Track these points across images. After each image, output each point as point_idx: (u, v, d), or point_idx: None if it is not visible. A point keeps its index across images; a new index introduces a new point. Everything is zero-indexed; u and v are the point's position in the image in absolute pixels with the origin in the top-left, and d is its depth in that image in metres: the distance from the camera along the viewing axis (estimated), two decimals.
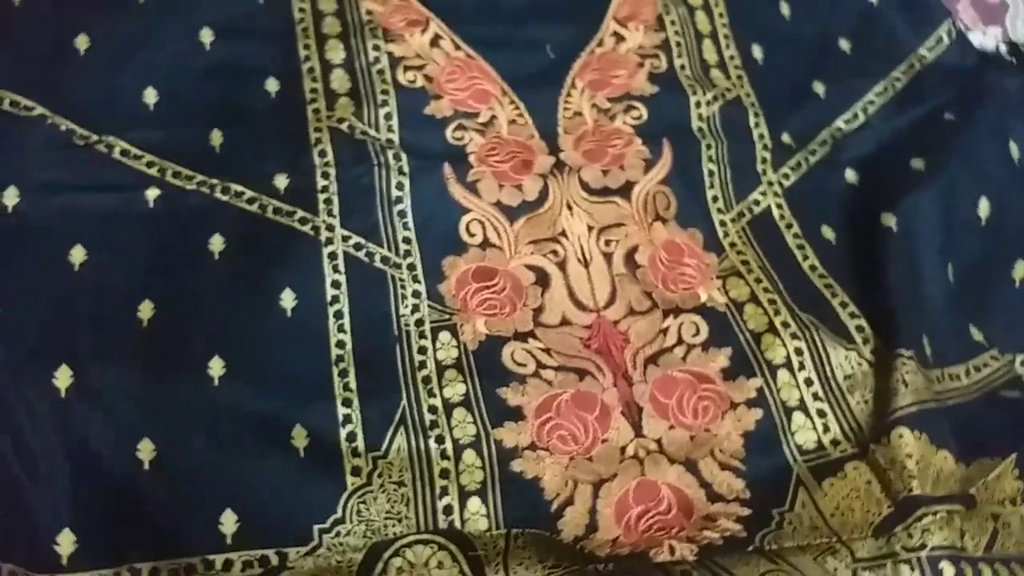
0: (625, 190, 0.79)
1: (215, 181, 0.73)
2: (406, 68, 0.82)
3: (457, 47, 0.84)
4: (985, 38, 1.01)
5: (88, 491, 0.59)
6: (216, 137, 0.76)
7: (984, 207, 0.80)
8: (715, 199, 0.80)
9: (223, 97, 0.78)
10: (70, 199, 0.71)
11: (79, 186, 0.72)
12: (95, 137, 0.74)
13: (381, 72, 0.81)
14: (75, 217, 0.70)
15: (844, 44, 0.91)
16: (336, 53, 0.82)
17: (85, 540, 0.58)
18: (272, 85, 0.80)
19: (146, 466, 0.60)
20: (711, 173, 0.81)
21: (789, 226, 0.80)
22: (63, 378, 0.61)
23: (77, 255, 0.68)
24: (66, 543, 0.58)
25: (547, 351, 0.70)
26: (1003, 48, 0.98)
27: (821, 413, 0.68)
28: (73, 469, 0.59)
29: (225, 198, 0.73)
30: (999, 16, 1.03)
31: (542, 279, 0.74)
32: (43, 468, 0.59)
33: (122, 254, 0.69)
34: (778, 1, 0.93)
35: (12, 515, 0.58)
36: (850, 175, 0.84)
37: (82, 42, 0.78)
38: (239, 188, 0.73)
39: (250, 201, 0.72)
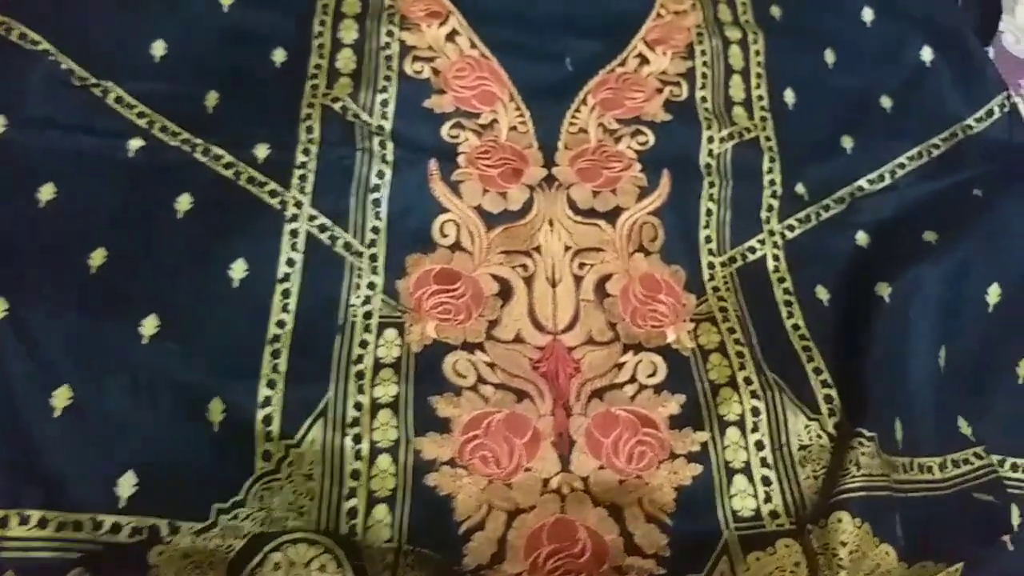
0: (612, 215, 0.76)
1: (198, 141, 0.72)
2: (415, 59, 0.80)
3: (473, 45, 0.82)
4: None
5: None
6: (212, 98, 0.76)
7: (994, 293, 0.74)
8: (708, 239, 0.76)
9: (228, 60, 0.78)
10: (55, 136, 0.71)
11: (66, 125, 0.72)
12: (93, 80, 0.74)
13: (389, 58, 0.80)
14: (55, 155, 0.70)
15: (886, 101, 0.86)
16: (349, 33, 0.80)
17: None
18: (279, 55, 0.79)
19: (57, 413, 0.59)
20: (708, 212, 0.77)
21: (781, 280, 0.75)
22: None
23: (46, 192, 0.68)
24: None
25: (491, 366, 0.67)
26: None
27: (766, 480, 0.64)
28: None
29: (204, 159, 0.72)
30: None
31: (505, 292, 0.71)
32: None
33: (89, 198, 0.69)
34: (823, 47, 0.88)
35: None
36: (861, 237, 0.79)
37: None
38: (219, 152, 0.72)
39: (227, 166, 0.71)
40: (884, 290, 0.71)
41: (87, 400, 0.60)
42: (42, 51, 0.73)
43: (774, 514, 0.63)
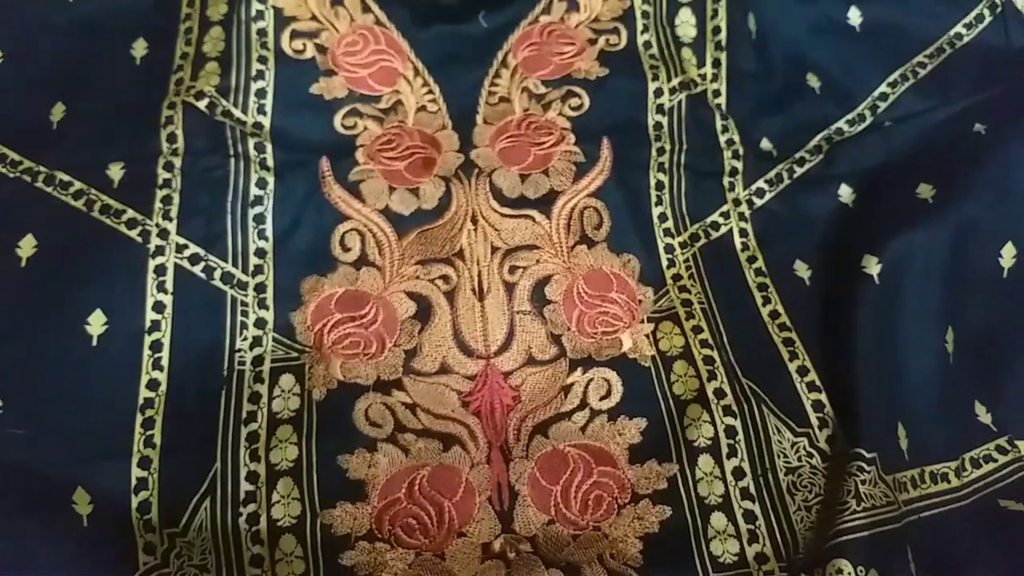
0: (546, 202, 0.64)
1: (41, 168, 0.61)
2: (295, 33, 0.67)
3: (366, 9, 0.69)
4: None
5: None
6: (57, 111, 0.64)
7: (1009, 254, 0.62)
8: (663, 217, 0.64)
9: (77, 62, 0.66)
10: None
11: None
12: None
13: (262, 33, 0.67)
14: None
15: (854, 15, 0.72)
16: (218, 7, 0.67)
17: None
18: (139, 48, 0.67)
19: None
20: (660, 185, 0.65)
21: (752, 259, 0.64)
22: None
23: None
24: None
25: (412, 408, 0.56)
26: None
27: (749, 516, 0.54)
28: None
29: (48, 189, 0.60)
30: None
31: (423, 312, 0.60)
32: None
33: None
34: None
35: None
36: (845, 193, 0.67)
37: None
38: (66, 178, 0.60)
39: (76, 194, 0.60)
40: (873, 266, 0.60)
41: None
42: None
43: (761, 557, 0.53)
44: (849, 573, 0.49)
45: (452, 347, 0.59)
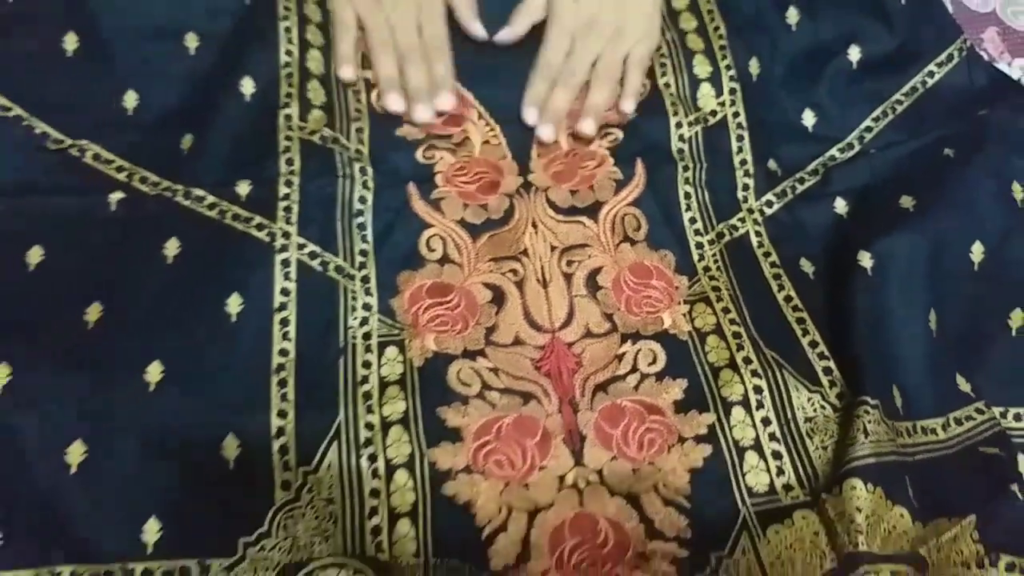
0: (593, 210, 0.77)
1: (179, 187, 0.73)
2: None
3: None
4: (1011, 70, 0.97)
5: (13, 491, 0.59)
6: (187, 141, 0.76)
7: (978, 252, 0.75)
8: (692, 220, 0.78)
9: (199, 101, 0.79)
10: (35, 201, 0.72)
11: (45, 188, 0.73)
12: (69, 141, 0.75)
13: (356, 92, 0.81)
14: (37, 219, 0.71)
15: (854, 53, 0.87)
16: (316, 66, 0.81)
17: (10, 539, 0.58)
18: (248, 86, 0.79)
19: (73, 469, 0.60)
20: (687, 195, 0.79)
21: (767, 254, 0.76)
22: (0, 376, 0.61)
23: (34, 256, 0.69)
24: None
25: (495, 371, 0.68)
26: None
27: (776, 455, 0.65)
28: (1, 469, 0.59)
29: (187, 203, 0.72)
30: None
31: (498, 298, 0.72)
32: None
33: (78, 256, 0.69)
34: (787, 6, 0.88)
35: None
36: (840, 205, 0.80)
37: (70, 42, 0.78)
38: (200, 193, 0.72)
39: (211, 207, 0.72)
40: (866, 260, 0.72)
41: (101, 454, 0.60)
42: (14, 117, 0.74)
43: (788, 487, 0.64)
44: (861, 489, 0.60)
45: (523, 324, 0.71)
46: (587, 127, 0.81)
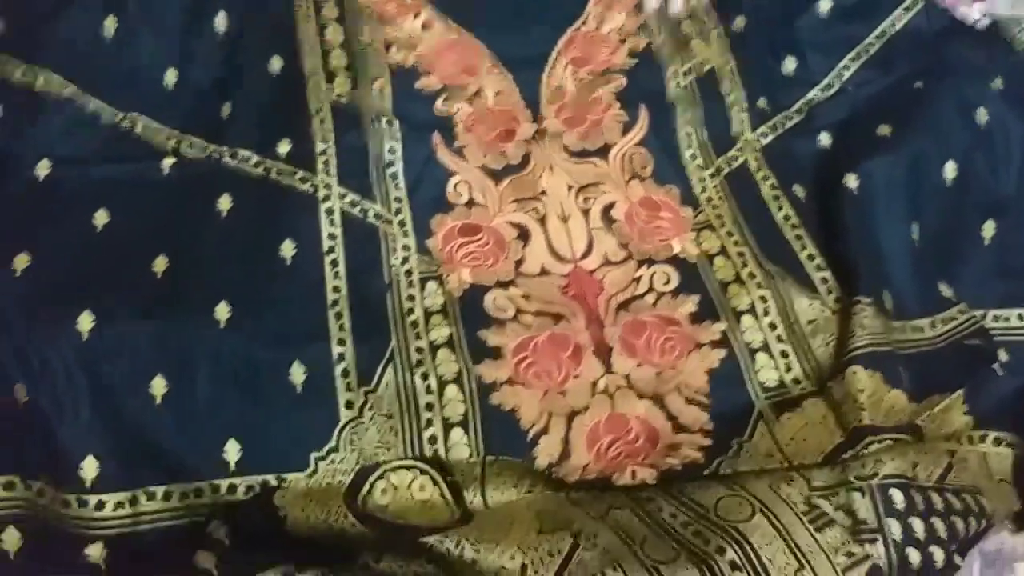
0: (603, 151, 0.85)
1: (224, 148, 0.80)
2: (398, 48, 0.88)
3: (448, 28, 0.90)
4: (971, 11, 1.04)
5: (108, 424, 0.65)
6: (226, 109, 0.83)
7: (950, 170, 0.83)
8: (693, 157, 0.85)
9: (233, 74, 0.85)
10: (95, 170, 0.78)
11: (103, 158, 0.79)
12: (120, 115, 0.81)
13: (376, 52, 0.88)
14: (99, 185, 0.77)
15: (824, 3, 0.94)
16: (335, 36, 0.88)
17: (106, 466, 0.64)
18: (276, 63, 0.86)
19: (158, 401, 0.66)
20: (688, 134, 0.86)
21: (766, 178, 0.84)
22: (85, 324, 0.67)
23: (100, 218, 0.75)
24: (89, 468, 0.64)
25: (526, 297, 0.76)
26: (985, 21, 1.01)
27: (784, 354, 0.73)
28: (94, 403, 0.65)
29: (233, 163, 0.79)
30: None
31: (523, 234, 0.79)
32: (68, 402, 0.65)
33: (140, 216, 0.76)
34: None
35: (42, 443, 0.64)
36: (824, 139, 0.88)
37: (110, 25, 0.84)
38: (246, 153, 0.79)
39: (256, 165, 0.79)
40: (852, 181, 0.80)
41: (182, 385, 0.67)
42: (68, 96, 0.80)
43: (796, 380, 0.72)
44: (862, 373, 0.68)
45: (548, 256, 0.78)
46: (675, 7, 0.90)
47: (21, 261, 0.70)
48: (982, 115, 0.86)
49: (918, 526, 0.61)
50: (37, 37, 0.82)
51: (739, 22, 0.94)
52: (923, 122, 0.85)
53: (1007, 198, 0.84)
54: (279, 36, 0.88)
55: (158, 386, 0.67)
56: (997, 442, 0.71)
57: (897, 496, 0.62)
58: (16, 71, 0.80)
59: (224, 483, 0.65)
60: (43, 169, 0.77)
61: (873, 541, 0.59)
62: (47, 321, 0.67)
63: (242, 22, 0.88)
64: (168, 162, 0.79)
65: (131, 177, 0.78)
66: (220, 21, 0.87)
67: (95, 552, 0.61)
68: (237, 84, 0.85)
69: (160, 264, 0.73)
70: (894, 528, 0.60)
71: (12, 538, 0.61)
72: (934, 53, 0.93)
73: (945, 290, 0.80)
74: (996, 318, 0.80)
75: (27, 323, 0.66)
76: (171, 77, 0.84)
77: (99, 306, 0.68)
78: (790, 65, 0.93)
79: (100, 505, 0.63)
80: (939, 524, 0.62)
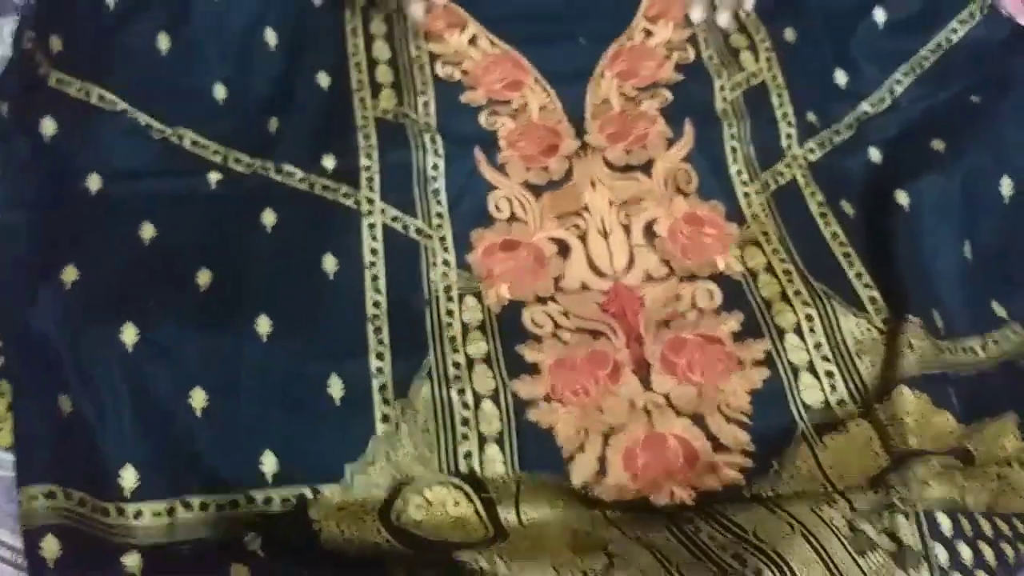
0: (647, 167, 0.84)
1: (270, 164, 0.81)
2: (444, 63, 0.89)
3: (493, 44, 0.91)
4: None
5: (148, 435, 0.66)
6: (273, 124, 0.84)
7: (1007, 186, 0.81)
8: (739, 173, 0.84)
9: (281, 90, 0.87)
10: (144, 184, 0.80)
11: (152, 172, 0.80)
12: (169, 130, 0.83)
13: (422, 67, 0.89)
14: (147, 199, 0.78)
15: (879, 15, 0.92)
16: (382, 52, 0.89)
17: (145, 475, 0.65)
18: (323, 80, 0.87)
19: (198, 413, 0.67)
20: (734, 150, 0.85)
21: (813, 193, 0.83)
22: (129, 335, 0.68)
23: (147, 231, 0.76)
24: (129, 478, 0.65)
25: (565, 314, 0.75)
26: None
27: (829, 374, 0.71)
28: (136, 413, 0.66)
29: (279, 178, 0.80)
30: None
31: (563, 250, 0.79)
32: (110, 412, 0.66)
33: (185, 230, 0.77)
34: None
35: (83, 452, 0.66)
36: (874, 154, 0.86)
37: (164, 41, 0.86)
38: (291, 169, 0.80)
39: (301, 180, 0.80)
40: (903, 198, 0.78)
41: (222, 397, 0.68)
42: (120, 110, 0.82)
43: (841, 402, 0.70)
44: (908, 395, 0.66)
45: (588, 272, 0.78)
46: (723, 20, 0.90)
47: (70, 274, 0.72)
48: None
49: (965, 552, 0.59)
50: (94, 54, 0.84)
51: (789, 34, 0.93)
52: (979, 137, 0.83)
53: None
54: (327, 51, 0.89)
55: (198, 398, 0.68)
56: None
57: (944, 521, 0.60)
58: (71, 87, 0.82)
59: (260, 495, 0.66)
60: (94, 183, 0.78)
61: (917, 566, 0.58)
62: (93, 333, 0.68)
63: (292, 37, 0.89)
64: (215, 177, 0.81)
65: (178, 191, 0.80)
66: (271, 36, 0.88)
67: (132, 561, 0.62)
68: (285, 99, 0.86)
69: (204, 277, 0.74)
70: (940, 553, 0.58)
71: (51, 547, 0.62)
72: (995, 65, 0.90)
73: (999, 309, 0.77)
74: None
75: (73, 336, 0.68)
76: (220, 92, 0.86)
77: (143, 318, 0.69)
78: (842, 78, 0.91)
79: (138, 514, 0.64)
80: (987, 550, 0.61)
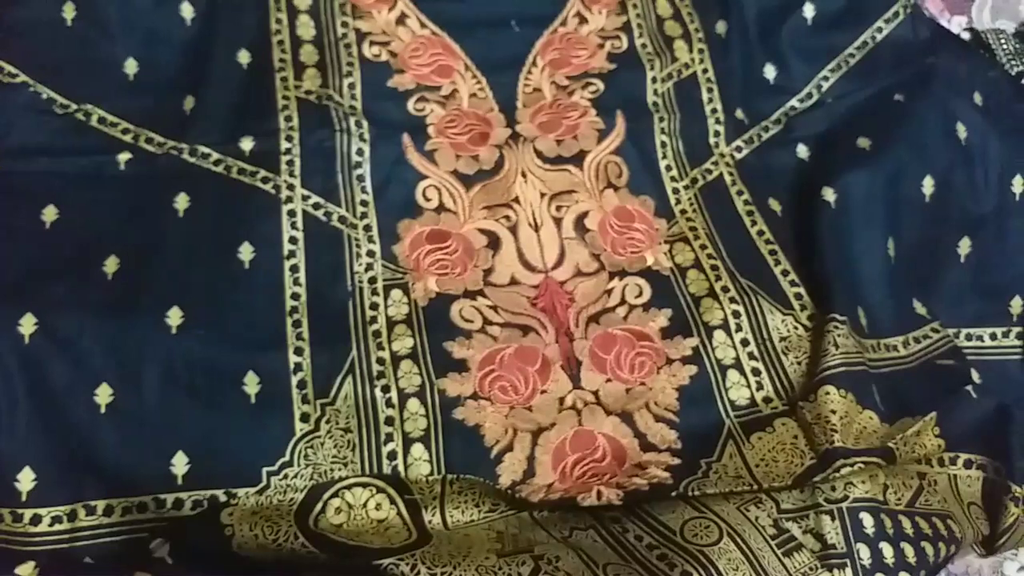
0: (578, 159, 0.82)
1: (184, 145, 0.77)
2: (371, 43, 0.86)
3: (423, 25, 0.88)
4: (950, 26, 1.03)
5: (47, 433, 0.62)
6: (189, 102, 0.80)
7: (928, 185, 0.82)
8: (668, 168, 0.83)
9: (198, 68, 0.82)
10: (47, 162, 0.75)
11: (56, 150, 0.76)
12: (74, 106, 0.78)
13: (348, 46, 0.85)
14: (50, 179, 0.74)
15: (808, 10, 0.92)
16: (306, 29, 0.85)
17: (44, 478, 0.61)
18: (244, 57, 0.83)
19: (103, 410, 0.63)
20: (663, 144, 0.84)
21: (740, 192, 0.82)
22: (27, 325, 0.64)
23: (49, 214, 0.72)
24: (25, 480, 0.61)
25: (494, 308, 0.73)
26: (966, 36, 1.00)
27: (756, 372, 0.71)
28: (33, 411, 0.62)
29: (193, 160, 0.76)
30: (965, 6, 1.04)
31: (493, 242, 0.77)
32: (4, 409, 0.62)
33: (92, 213, 0.73)
34: None
35: None
36: (802, 151, 0.86)
37: (68, 12, 0.81)
38: (206, 150, 0.76)
39: (216, 163, 0.76)
40: (830, 195, 0.79)
41: (129, 393, 0.64)
42: (21, 83, 0.77)
43: (767, 399, 0.70)
44: (834, 394, 0.67)
45: (518, 266, 0.76)
46: None
47: None
48: (962, 130, 0.85)
49: (888, 551, 0.60)
50: None
51: (721, 27, 0.92)
52: (903, 136, 0.84)
53: (984, 215, 0.83)
54: (248, 26, 0.85)
55: (103, 393, 0.64)
56: (968, 465, 0.70)
57: (867, 520, 0.61)
58: None
59: (170, 497, 0.62)
60: None
61: (842, 566, 0.58)
62: None
63: (210, 10, 0.84)
64: (124, 157, 0.76)
65: (84, 171, 0.75)
66: (186, 9, 0.84)
67: (26, 572, 0.58)
68: (201, 77, 0.82)
69: (111, 264, 0.70)
70: (863, 553, 0.59)
71: None
72: (918, 64, 0.91)
73: (919, 307, 0.78)
74: (969, 336, 0.79)
75: None
76: (131, 67, 0.81)
77: (44, 307, 0.65)
78: (771, 72, 0.91)
79: (36, 520, 0.60)
80: (909, 549, 0.61)
